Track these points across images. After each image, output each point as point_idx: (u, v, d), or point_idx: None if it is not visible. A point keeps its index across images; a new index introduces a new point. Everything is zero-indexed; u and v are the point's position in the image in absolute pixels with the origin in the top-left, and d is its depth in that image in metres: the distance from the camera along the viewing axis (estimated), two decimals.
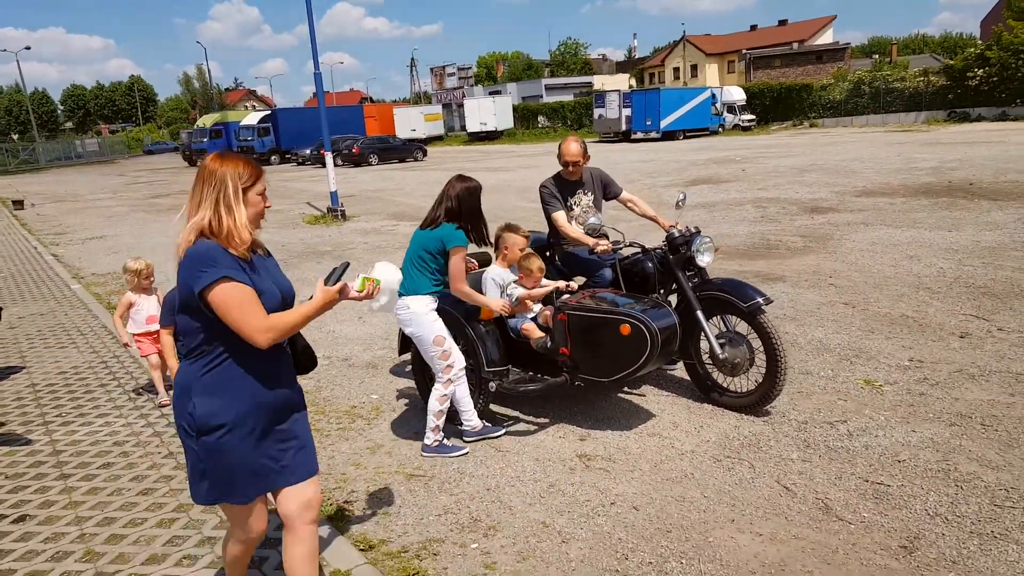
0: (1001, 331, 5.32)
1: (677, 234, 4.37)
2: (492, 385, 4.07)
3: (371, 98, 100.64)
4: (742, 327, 4.21)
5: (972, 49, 35.61)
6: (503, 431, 4.12)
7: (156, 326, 4.86)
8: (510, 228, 4.34)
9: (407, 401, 4.81)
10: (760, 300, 3.98)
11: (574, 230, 4.66)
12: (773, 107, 42.20)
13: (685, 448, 3.86)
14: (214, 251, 2.08)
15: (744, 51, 57.30)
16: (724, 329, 4.27)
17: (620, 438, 4.04)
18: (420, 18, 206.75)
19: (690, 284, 4.27)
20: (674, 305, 4.35)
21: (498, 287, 4.27)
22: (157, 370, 4.98)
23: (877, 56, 61.99)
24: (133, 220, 17.28)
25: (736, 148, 27.77)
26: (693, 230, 4.41)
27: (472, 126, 51.41)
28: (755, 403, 4.12)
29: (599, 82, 64.55)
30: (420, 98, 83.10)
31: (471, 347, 4.09)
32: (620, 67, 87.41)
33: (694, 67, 66.42)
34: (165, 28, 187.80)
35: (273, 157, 40.64)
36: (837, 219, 10.71)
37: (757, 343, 4.09)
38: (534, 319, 4.24)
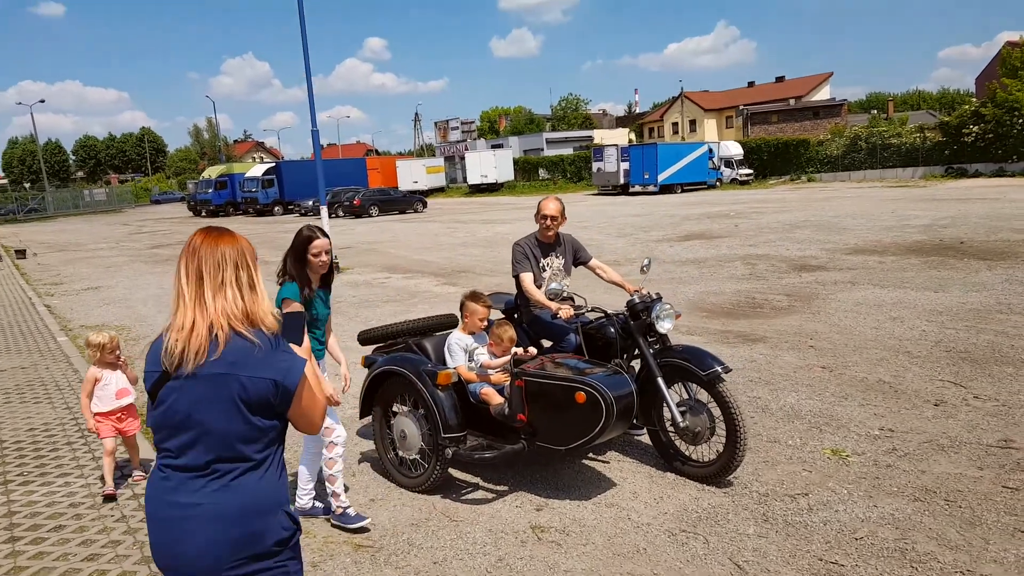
0: (976, 399, 5.26)
1: (637, 300, 4.39)
2: (448, 452, 4.01)
3: (376, 150, 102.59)
4: (704, 395, 4.18)
5: (967, 106, 36.23)
6: (364, 522, 3.82)
7: (129, 399, 4.62)
8: (473, 297, 4.40)
9: (367, 466, 4.74)
10: (719, 368, 3.96)
11: (539, 293, 4.68)
12: (771, 162, 42.79)
13: (642, 520, 3.78)
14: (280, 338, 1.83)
15: (742, 107, 58.43)
16: (686, 396, 4.22)
17: (577, 508, 3.96)
18: (426, 74, 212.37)
19: (651, 350, 4.26)
20: (636, 371, 4.34)
21: (463, 352, 4.29)
22: (111, 457, 4.48)
23: (875, 112, 63.12)
24: (130, 271, 17.42)
25: (731, 203, 28.04)
26: (654, 296, 4.43)
27: (473, 178, 52.26)
28: (716, 473, 4.07)
29: (599, 136, 65.79)
30: (424, 151, 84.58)
31: (428, 412, 4.07)
32: (620, 122, 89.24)
33: (692, 122, 67.69)
34: (178, 81, 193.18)
35: (277, 208, 41.23)
36: (825, 277, 10.72)
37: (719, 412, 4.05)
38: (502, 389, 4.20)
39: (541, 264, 4.88)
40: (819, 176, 40.43)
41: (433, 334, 4.83)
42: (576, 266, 5.12)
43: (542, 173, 55.42)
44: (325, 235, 3.72)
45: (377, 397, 4.47)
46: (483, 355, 4.26)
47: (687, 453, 4.31)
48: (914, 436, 4.64)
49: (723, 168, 42.24)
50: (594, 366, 4.03)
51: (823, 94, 63.96)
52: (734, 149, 43.82)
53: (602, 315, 4.55)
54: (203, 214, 44.31)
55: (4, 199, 58.16)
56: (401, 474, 4.35)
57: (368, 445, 5.09)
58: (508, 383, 4.08)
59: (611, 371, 3.94)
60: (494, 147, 61.51)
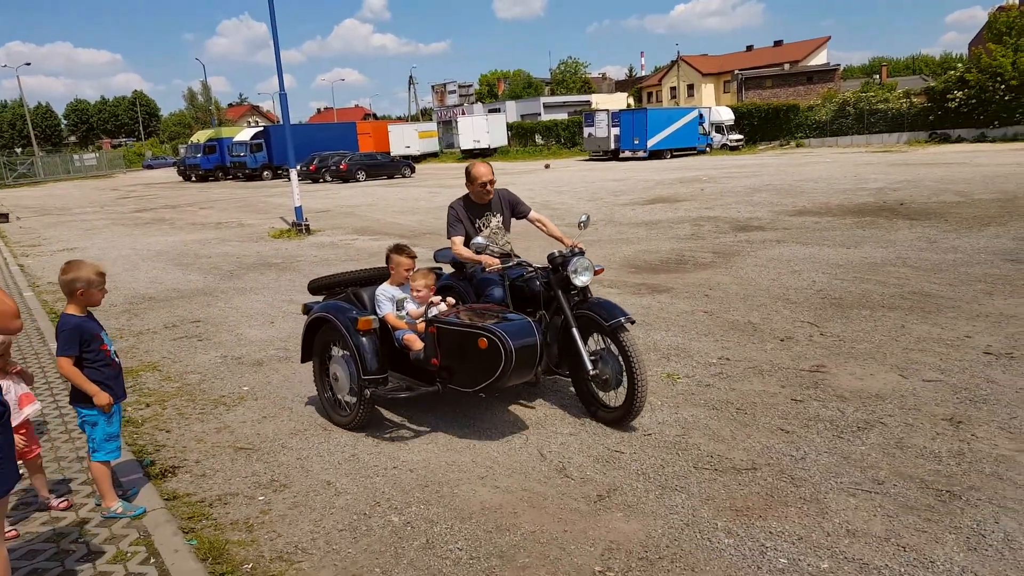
0: (821, 336, 5.96)
1: (557, 254, 4.57)
2: (367, 392, 4.30)
3: (375, 114, 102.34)
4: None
5: (953, 72, 36.36)
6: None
7: (35, 407, 3.60)
8: (397, 249, 4.70)
9: (272, 392, 5.47)
10: (621, 319, 4.20)
11: (466, 251, 4.86)
12: (761, 127, 43.01)
13: (483, 427, 4.51)
14: None
15: (737, 71, 58.28)
16: (601, 347, 4.44)
17: (455, 428, 4.68)
18: (428, 36, 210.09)
19: (571, 303, 4.45)
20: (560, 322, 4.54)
21: (391, 302, 4.56)
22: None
23: (874, 77, 62.87)
24: (109, 233, 18.08)
25: (712, 168, 28.49)
26: (576, 251, 4.61)
27: (465, 143, 52.47)
28: (621, 418, 4.30)
29: (598, 101, 65.71)
30: (420, 115, 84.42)
31: (352, 354, 4.38)
32: (619, 86, 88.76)
33: (690, 87, 67.45)
34: (173, 43, 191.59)
35: (265, 172, 41.73)
36: (757, 237, 11.36)
37: None
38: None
39: (476, 224, 5.02)
40: (807, 141, 40.73)
41: (374, 284, 4.96)
42: (517, 219, 5.25)
43: (538, 138, 55.61)
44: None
45: (316, 342, 4.81)
46: (411, 305, 4.50)
47: (603, 400, 4.49)
48: (744, 363, 5.35)
49: (714, 133, 42.46)
50: (509, 316, 4.18)
51: (820, 59, 63.62)
52: (725, 115, 43.97)
53: (529, 268, 4.73)
54: (192, 179, 44.84)
55: None
56: (334, 412, 4.71)
57: (281, 377, 5.81)
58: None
59: (522, 321, 4.08)
60: (491, 111, 61.51)
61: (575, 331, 4.34)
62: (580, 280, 4.42)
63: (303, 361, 4.95)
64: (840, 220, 12.39)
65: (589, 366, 4.28)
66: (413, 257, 4.72)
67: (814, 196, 16.13)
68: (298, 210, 16.09)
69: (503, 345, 3.85)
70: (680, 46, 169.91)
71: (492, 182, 4.99)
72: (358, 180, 35.40)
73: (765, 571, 2.91)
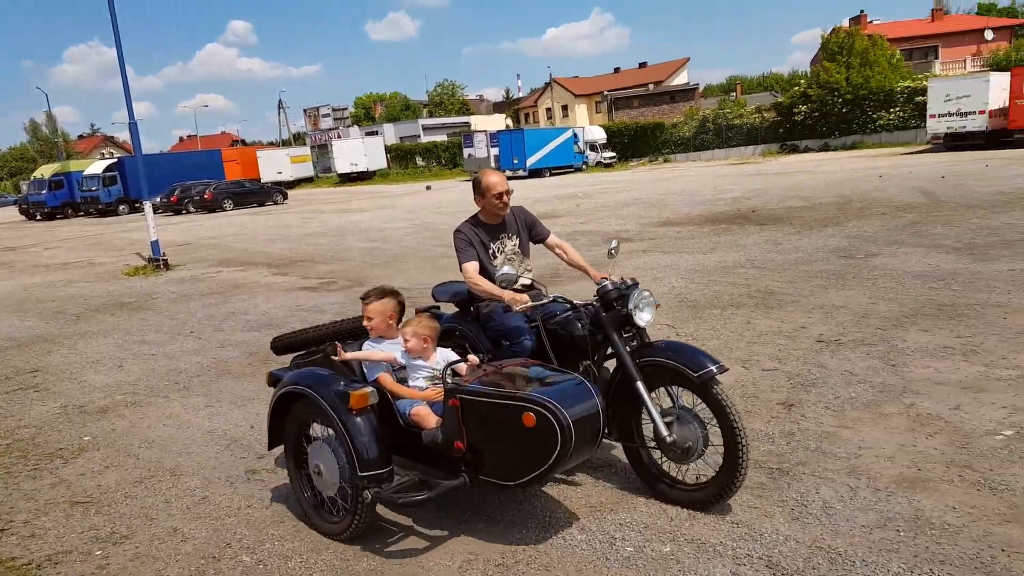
0: (677, 336, 6.33)
1: (611, 287, 3.63)
2: (367, 494, 3.19)
3: (243, 140, 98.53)
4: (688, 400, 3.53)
5: (797, 88, 39.97)
6: None
7: None
8: (366, 296, 3.70)
9: (117, 439, 5.13)
10: (713, 368, 3.30)
11: (486, 283, 3.89)
12: (632, 144, 45.34)
13: None
14: None
15: (606, 92, 61.12)
16: (670, 404, 3.53)
17: None
18: (298, 59, 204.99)
19: (628, 348, 3.53)
20: (611, 375, 3.67)
21: (383, 362, 3.58)
22: None
23: (731, 95, 67.82)
24: None
25: (588, 184, 29.67)
26: (629, 282, 3.68)
27: (342, 167, 51.75)
28: (714, 497, 3.38)
29: (476, 122, 66.74)
30: (293, 140, 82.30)
31: (342, 441, 3.26)
32: (497, 108, 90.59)
33: (565, 107, 69.98)
34: (10, 72, 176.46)
35: (121, 207, 39.14)
36: (625, 248, 11.88)
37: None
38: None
39: (491, 250, 4.12)
40: (674, 157, 43.29)
41: (361, 339, 3.91)
42: (534, 244, 4.37)
43: (418, 160, 55.64)
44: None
45: (288, 421, 3.63)
46: (416, 363, 3.49)
47: (674, 474, 3.60)
48: None
49: (588, 152, 44.35)
50: (554, 374, 3.30)
51: (682, 78, 67.92)
52: (598, 133, 46.10)
53: (568, 307, 3.80)
54: (37, 217, 41.28)
55: None
56: (319, 517, 3.53)
57: (126, 425, 5.45)
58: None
59: (573, 381, 3.22)
60: (368, 134, 61.01)
61: (640, 386, 3.41)
62: (644, 318, 3.53)
63: (270, 447, 3.79)
64: (699, 228, 13.23)
65: (664, 431, 3.34)
66: (389, 296, 3.66)
67: (677, 208, 17.13)
68: (154, 244, 15.20)
69: (558, 420, 2.90)
70: (553, 68, 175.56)
71: (509, 192, 4.06)
72: (225, 209, 34.02)
73: (612, 561, 3.07)
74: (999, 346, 5.31)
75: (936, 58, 48.09)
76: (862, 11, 55.37)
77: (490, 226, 4.16)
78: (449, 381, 3.23)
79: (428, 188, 38.52)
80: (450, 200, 27.74)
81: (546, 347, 3.73)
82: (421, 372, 3.48)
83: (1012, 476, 3.45)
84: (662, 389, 3.55)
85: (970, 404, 4.33)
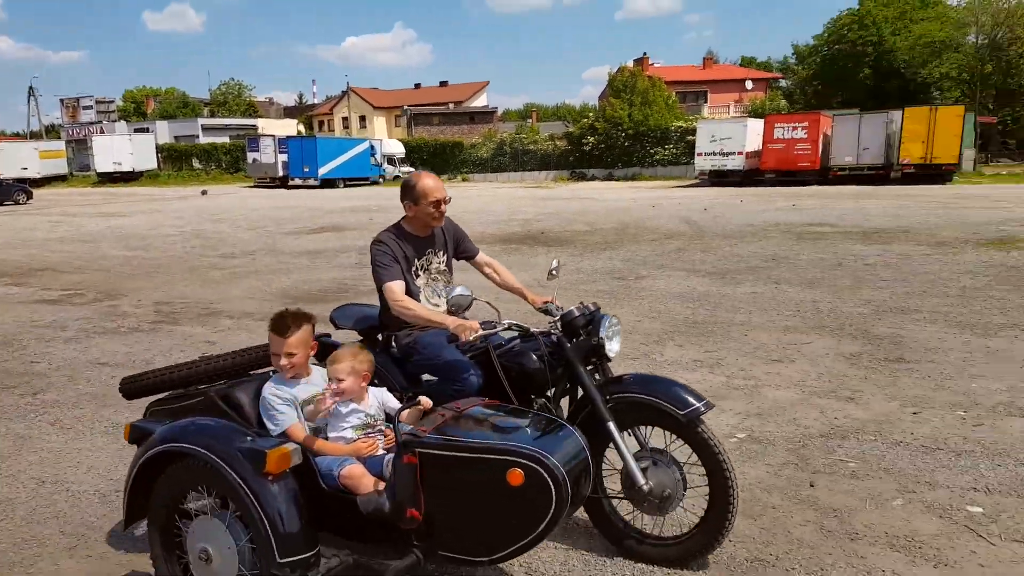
0: None
1: (577, 313, 3.23)
2: None
3: None
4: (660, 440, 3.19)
5: (586, 120, 43.43)
6: None
7: None
8: (276, 323, 2.87)
9: None
10: (699, 405, 3.01)
11: (419, 307, 3.38)
12: (430, 160, 46.04)
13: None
14: None
15: (406, 107, 61.61)
16: (638, 447, 3.16)
17: None
18: (58, 42, 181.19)
19: (595, 383, 3.15)
20: (569, 413, 3.25)
21: (290, 406, 2.81)
22: None
23: (529, 121, 71.74)
24: None
25: (383, 198, 29.50)
26: (592, 307, 3.30)
27: (103, 165, 46.67)
28: (697, 550, 3.07)
29: (264, 126, 63.63)
30: (45, 132, 72.57)
31: (250, 519, 2.53)
32: (289, 112, 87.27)
33: (363, 118, 69.29)
34: None
35: None
36: None
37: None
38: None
39: (414, 266, 3.57)
40: (472, 176, 44.75)
41: (249, 376, 3.14)
42: (458, 260, 3.88)
43: (195, 162, 51.76)
44: None
45: (156, 490, 2.77)
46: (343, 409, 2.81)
47: (641, 526, 3.25)
48: None
49: (386, 165, 44.30)
50: (525, 418, 2.79)
51: (481, 101, 70.52)
52: (396, 147, 46.30)
53: (520, 334, 3.34)
54: None
55: None
56: None
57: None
58: (384, 456, 2.74)
59: (546, 422, 2.76)
60: (137, 131, 55.64)
61: (612, 426, 3.02)
62: (614, 349, 3.22)
63: (129, 523, 2.89)
64: (491, 248, 13.73)
65: (641, 479, 2.98)
66: (306, 323, 2.90)
67: (472, 226, 17.60)
68: None
69: (552, 476, 2.42)
70: (351, 78, 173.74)
71: (447, 201, 3.55)
72: None
73: None
74: (739, 360, 6.13)
75: (705, 102, 54.93)
76: (644, 54, 61.68)
77: (417, 239, 3.60)
78: (403, 431, 2.58)
79: (204, 193, 35.95)
80: (228, 206, 26.15)
81: (503, 383, 3.16)
82: (349, 419, 2.79)
83: (742, 474, 3.98)
84: (627, 430, 3.15)
85: (712, 411, 4.94)
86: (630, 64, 50.39)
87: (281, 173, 40.78)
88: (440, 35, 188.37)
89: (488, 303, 3.56)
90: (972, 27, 40.69)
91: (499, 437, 2.58)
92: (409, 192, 3.51)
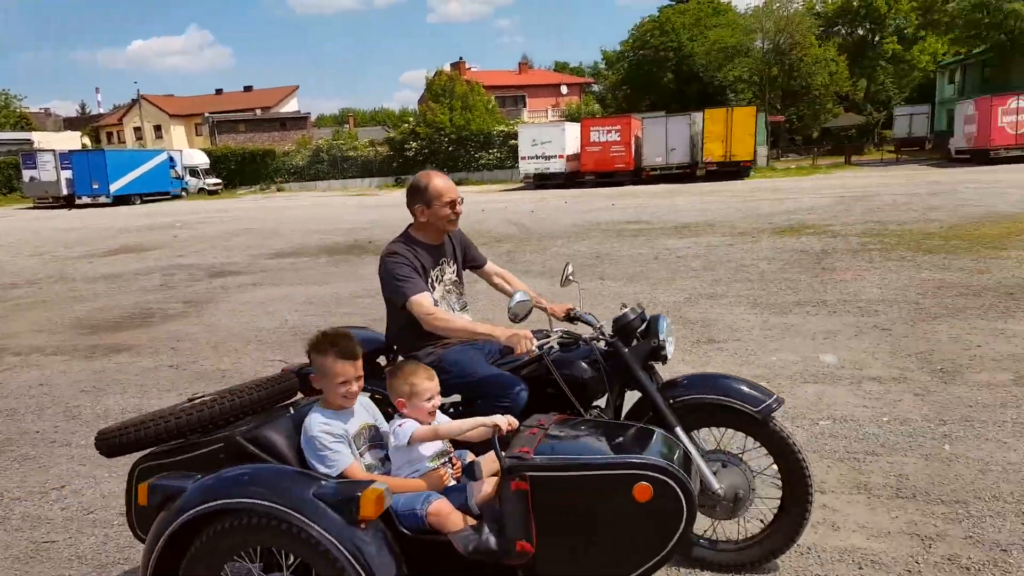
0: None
1: (632, 316, 3.17)
2: None
3: None
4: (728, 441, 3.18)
5: (407, 125, 43.38)
6: None
7: None
8: (319, 346, 2.58)
9: None
10: (771, 401, 2.97)
11: (460, 318, 3.22)
12: (240, 171, 43.95)
13: None
14: None
15: (208, 114, 58.16)
16: (706, 448, 3.11)
17: None
18: None
19: (655, 387, 3.07)
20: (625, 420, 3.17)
21: (343, 442, 2.46)
22: None
23: (345, 126, 70.29)
24: None
25: (187, 213, 27.70)
26: (638, 309, 3.27)
27: None
28: (771, 552, 3.03)
29: (41, 140, 57.23)
30: None
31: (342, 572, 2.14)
32: (71, 124, 79.24)
33: (158, 128, 64.52)
34: None
35: None
36: (233, 282, 11.39)
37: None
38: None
39: (431, 278, 3.29)
40: (288, 186, 43.08)
41: (269, 413, 2.73)
42: (466, 269, 3.64)
43: None
44: None
45: (192, 562, 2.28)
46: (406, 425, 2.52)
47: (706, 532, 3.18)
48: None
49: (188, 177, 41.68)
50: (613, 428, 2.69)
51: (292, 106, 68.12)
52: (199, 158, 43.61)
53: (571, 341, 3.18)
54: None
55: None
56: None
57: None
58: (466, 484, 2.48)
59: (643, 433, 2.60)
60: None
61: (680, 431, 2.91)
62: (671, 350, 3.14)
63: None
64: (315, 260, 13.36)
65: (715, 483, 2.89)
66: (355, 357, 2.56)
67: (291, 238, 17.05)
68: None
69: (683, 487, 2.29)
70: (141, 84, 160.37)
71: (462, 201, 3.31)
72: None
73: None
74: None
75: (524, 106, 56.88)
76: (461, 58, 62.83)
77: (431, 247, 3.32)
78: (505, 457, 2.31)
79: None
80: (5, 231, 23.31)
81: (567, 394, 2.98)
82: (425, 448, 2.54)
83: None
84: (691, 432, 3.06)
85: None
86: (447, 68, 51.15)
87: (66, 192, 37.03)
88: (240, 37, 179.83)
89: (543, 309, 3.47)
90: (758, 33, 45.39)
91: (612, 451, 2.44)
92: (420, 195, 3.25)
